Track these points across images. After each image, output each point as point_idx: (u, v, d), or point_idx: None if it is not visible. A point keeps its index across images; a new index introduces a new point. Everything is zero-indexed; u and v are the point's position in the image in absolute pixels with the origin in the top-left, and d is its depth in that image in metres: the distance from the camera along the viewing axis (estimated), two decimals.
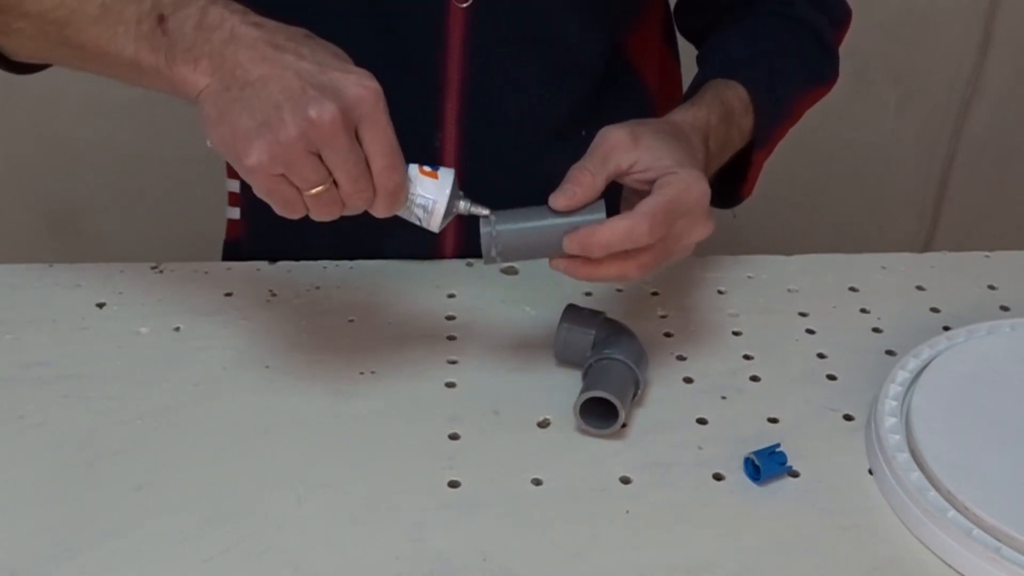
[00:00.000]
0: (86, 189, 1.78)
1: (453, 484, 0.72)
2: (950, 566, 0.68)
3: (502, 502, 0.71)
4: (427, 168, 0.71)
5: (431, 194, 0.71)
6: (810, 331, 0.89)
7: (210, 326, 0.86)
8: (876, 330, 0.90)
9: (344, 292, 0.91)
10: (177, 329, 0.86)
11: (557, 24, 0.92)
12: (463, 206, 0.73)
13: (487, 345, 0.85)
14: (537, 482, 0.73)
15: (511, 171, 0.93)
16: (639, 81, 1.00)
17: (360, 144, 0.66)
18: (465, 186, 0.74)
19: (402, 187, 0.69)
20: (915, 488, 0.71)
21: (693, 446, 0.77)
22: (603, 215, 0.73)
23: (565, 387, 0.80)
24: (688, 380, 0.83)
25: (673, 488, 0.73)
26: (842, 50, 1.00)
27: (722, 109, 0.85)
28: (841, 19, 1.00)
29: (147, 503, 0.70)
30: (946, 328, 0.88)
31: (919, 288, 0.95)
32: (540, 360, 0.84)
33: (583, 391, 0.76)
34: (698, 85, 0.89)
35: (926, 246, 2.05)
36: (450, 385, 0.81)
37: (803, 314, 0.91)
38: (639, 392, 0.79)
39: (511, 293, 0.91)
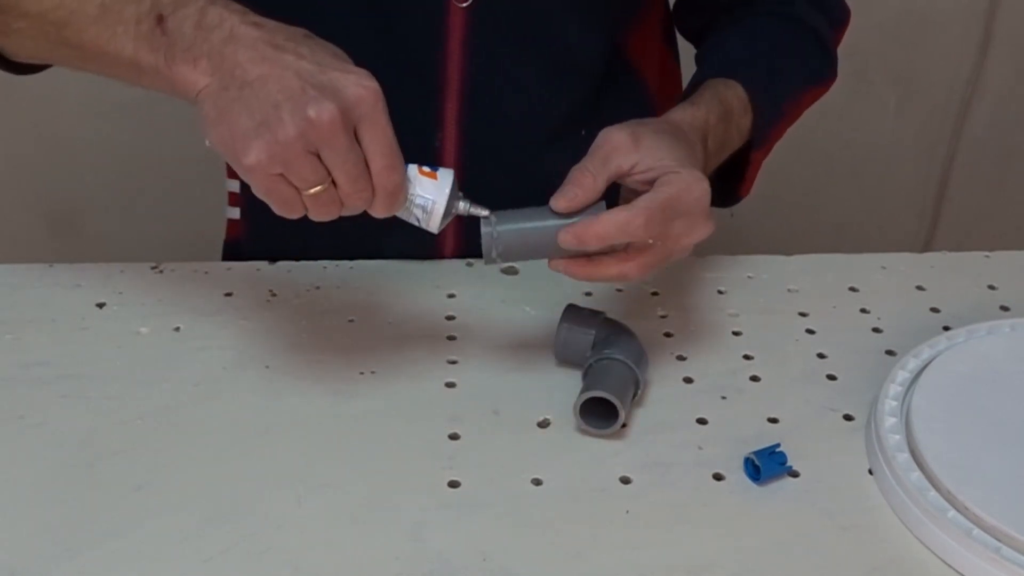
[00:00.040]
0: (86, 189, 1.78)
1: (453, 484, 0.72)
2: (950, 566, 0.68)
3: (502, 502, 0.71)
4: (426, 168, 0.71)
5: (430, 194, 0.71)
6: (810, 331, 0.89)
7: (210, 326, 0.86)
8: (876, 330, 0.90)
9: (344, 292, 0.91)
10: (177, 329, 0.86)
11: (557, 24, 0.92)
12: (462, 207, 0.73)
13: (487, 345, 0.85)
14: (537, 482, 0.73)
15: (511, 171, 0.93)
16: (639, 81, 1.00)
17: (359, 144, 0.66)
18: (465, 186, 0.74)
19: (401, 187, 0.69)
20: (915, 488, 0.71)
21: (693, 446, 0.77)
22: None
23: (565, 387, 0.80)
24: (688, 380, 0.83)
25: (673, 488, 0.73)
26: (842, 50, 1.00)
27: (721, 108, 0.85)
28: (840, 19, 1.00)
29: (147, 503, 0.70)
30: (946, 328, 0.88)
31: (919, 288, 0.95)
32: (540, 360, 0.84)
33: (583, 391, 0.76)
34: (697, 84, 0.89)
35: (926, 246, 2.05)
36: (450, 385, 0.81)
37: (803, 314, 0.91)
38: (639, 392, 0.79)
39: (511, 293, 0.91)
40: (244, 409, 0.78)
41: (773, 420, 0.79)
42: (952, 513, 0.69)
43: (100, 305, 0.88)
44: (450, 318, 0.88)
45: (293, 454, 0.74)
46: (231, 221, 1.07)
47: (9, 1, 0.73)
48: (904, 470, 0.72)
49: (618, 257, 0.73)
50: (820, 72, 0.98)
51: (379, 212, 0.69)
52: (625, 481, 0.73)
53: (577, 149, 0.75)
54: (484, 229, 0.73)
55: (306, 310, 0.88)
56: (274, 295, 0.90)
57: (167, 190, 1.78)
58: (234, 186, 1.06)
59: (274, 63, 0.65)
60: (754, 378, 0.84)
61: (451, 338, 0.86)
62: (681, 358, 0.85)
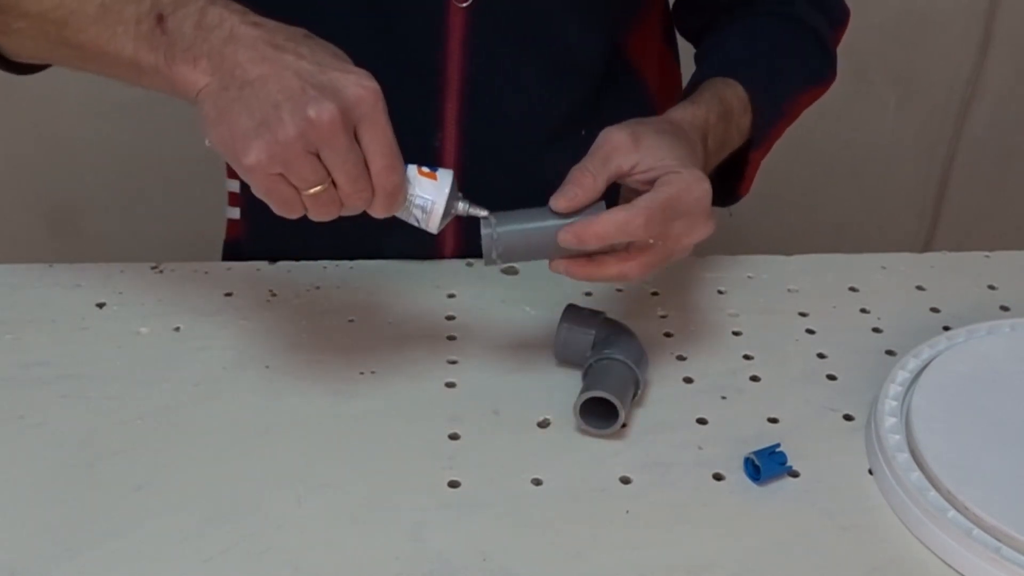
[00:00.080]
0: (86, 189, 1.78)
1: (453, 484, 0.72)
2: (950, 566, 0.68)
3: (502, 502, 0.71)
4: (426, 169, 0.71)
5: (430, 195, 0.71)
6: (810, 331, 0.89)
7: (210, 326, 0.86)
8: (876, 330, 0.90)
9: (344, 292, 0.91)
10: (177, 329, 0.86)
11: (557, 24, 0.92)
12: (461, 207, 0.73)
13: (487, 345, 0.85)
14: (537, 482, 0.73)
15: (511, 171, 0.93)
16: (639, 81, 1.00)
17: (359, 144, 0.66)
18: (465, 186, 0.74)
19: (401, 188, 0.69)
20: (915, 488, 0.71)
21: (693, 446, 0.77)
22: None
23: (565, 387, 0.80)
24: (688, 380, 0.83)
25: (673, 488, 0.73)
26: (842, 50, 1.00)
27: (721, 108, 0.85)
28: (840, 19, 1.00)
29: (147, 503, 0.70)
30: (946, 328, 0.88)
31: (919, 288, 0.95)
32: (540, 360, 0.84)
33: (583, 391, 0.76)
34: (697, 83, 0.89)
35: (926, 246, 2.05)
36: (450, 385, 0.81)
37: (803, 314, 0.91)
38: (639, 392, 0.78)
39: (511, 293, 0.91)
40: (244, 409, 0.78)
41: (773, 420, 0.79)
42: (952, 513, 0.69)
43: (100, 305, 0.88)
44: (450, 318, 0.88)
45: (293, 454, 0.74)
46: (231, 221, 1.07)
47: (9, 1, 0.73)
48: (904, 470, 0.72)
49: (619, 257, 0.73)
50: (820, 72, 0.98)
51: (378, 212, 0.69)
52: (625, 481, 0.73)
53: (577, 149, 0.75)
54: (484, 230, 0.73)
55: (306, 310, 0.88)
56: (274, 295, 0.90)
57: (167, 190, 1.78)
58: (234, 186, 1.06)
59: (274, 63, 0.65)
60: (754, 378, 0.84)
61: (451, 338, 0.86)
62: (681, 358, 0.85)
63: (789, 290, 0.94)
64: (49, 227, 1.81)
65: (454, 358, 0.84)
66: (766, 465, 0.73)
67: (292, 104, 0.64)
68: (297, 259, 0.94)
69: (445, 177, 0.71)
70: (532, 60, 0.92)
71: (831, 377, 0.84)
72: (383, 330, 0.87)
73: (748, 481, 0.74)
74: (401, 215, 0.71)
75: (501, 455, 0.75)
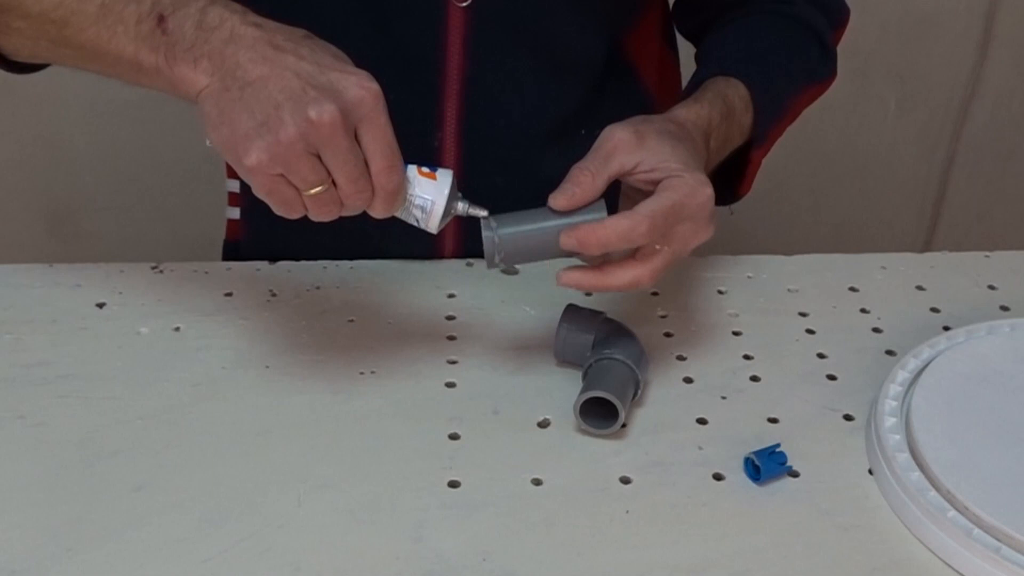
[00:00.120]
0: (86, 189, 1.78)
1: (453, 484, 0.72)
2: (950, 566, 0.68)
3: (502, 502, 0.71)
4: (426, 169, 0.71)
5: (429, 195, 0.71)
6: (810, 331, 0.89)
7: (210, 326, 0.86)
8: (876, 330, 0.90)
9: (344, 292, 0.91)
10: (177, 329, 0.86)
11: (556, 24, 0.92)
12: (461, 207, 0.73)
13: (487, 345, 0.85)
14: (537, 482, 0.73)
15: (510, 171, 0.93)
16: (638, 81, 1.00)
17: (359, 145, 0.66)
18: (464, 186, 0.74)
19: (401, 188, 0.69)
20: (915, 488, 0.71)
21: (693, 446, 0.77)
22: (604, 214, 0.73)
23: (565, 387, 0.80)
24: (688, 380, 0.83)
25: (673, 488, 0.73)
26: (842, 50, 1.00)
27: (724, 108, 0.85)
28: (840, 18, 1.00)
29: (147, 503, 0.70)
30: (946, 328, 0.88)
31: (919, 288, 0.95)
32: (540, 360, 0.84)
33: (583, 391, 0.76)
34: (699, 82, 0.89)
35: (926, 246, 2.05)
36: (450, 385, 0.81)
37: (803, 314, 0.91)
38: (639, 392, 0.78)
39: (511, 293, 0.91)
40: (244, 409, 0.78)
41: (773, 420, 0.79)
42: (952, 513, 0.69)
43: (100, 305, 0.88)
44: (450, 318, 0.88)
45: (293, 454, 0.74)
46: (231, 221, 1.07)
47: (10, 1, 0.73)
48: (904, 470, 0.72)
49: (627, 264, 0.73)
50: (820, 70, 0.98)
51: (378, 212, 0.69)
52: (625, 481, 0.73)
53: (577, 149, 0.75)
54: (485, 233, 0.73)
55: (306, 310, 0.88)
56: (274, 295, 0.90)
57: (167, 190, 1.78)
58: (234, 186, 1.06)
59: (275, 64, 0.65)
60: (754, 378, 0.84)
61: (451, 338, 0.86)
62: (681, 358, 0.85)
63: (789, 290, 0.94)
64: (49, 227, 1.81)
65: (454, 358, 0.84)
66: (766, 465, 0.73)
67: (293, 105, 0.64)
68: (297, 259, 0.94)
69: (445, 177, 0.71)
70: (531, 60, 0.92)
71: (831, 377, 0.84)
72: (383, 330, 0.87)
73: (748, 481, 0.74)
74: (401, 215, 0.71)
75: (501, 455, 0.75)
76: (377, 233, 0.82)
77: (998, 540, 0.67)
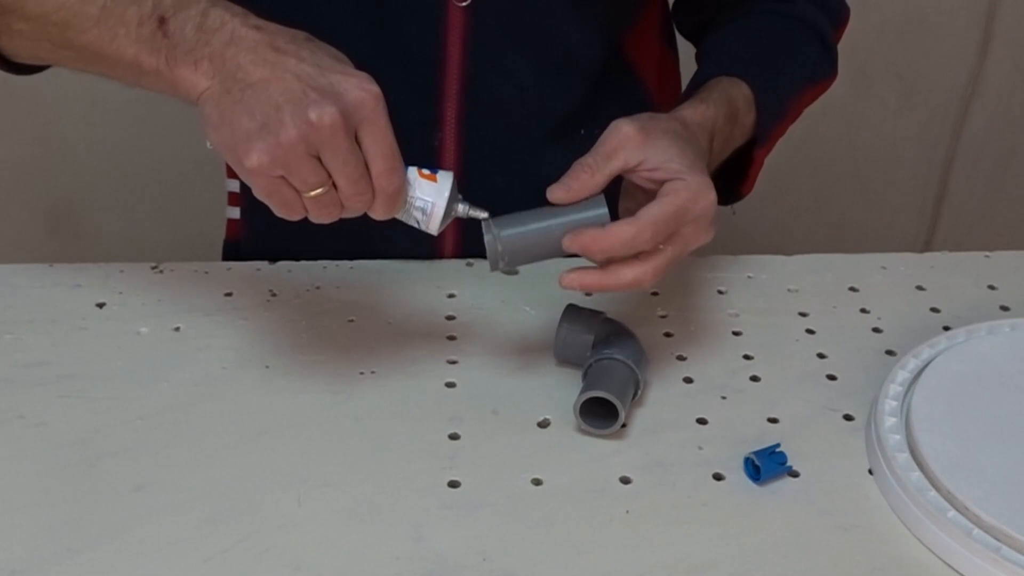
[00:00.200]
0: (86, 189, 1.78)
1: (453, 484, 0.72)
2: (950, 566, 0.68)
3: (502, 502, 0.71)
4: (426, 171, 0.71)
5: (430, 197, 0.71)
6: (810, 331, 0.89)
7: (210, 326, 0.86)
8: (876, 330, 0.90)
9: (344, 292, 0.91)
10: (177, 329, 0.86)
11: (556, 23, 0.92)
12: (461, 209, 0.73)
13: (487, 345, 0.85)
14: (537, 482, 0.73)
15: (510, 171, 0.93)
16: (638, 81, 1.00)
17: (360, 147, 0.66)
18: (464, 186, 0.74)
19: (401, 190, 0.69)
20: (915, 488, 0.71)
21: (693, 446, 0.77)
22: (604, 210, 0.73)
23: (565, 387, 0.80)
24: (688, 380, 0.83)
25: (673, 488, 0.73)
26: (842, 50, 1.00)
27: (728, 108, 0.85)
28: (840, 18, 1.00)
29: (147, 503, 0.70)
30: (946, 328, 0.88)
31: (919, 288, 0.95)
32: (540, 360, 0.84)
33: (583, 391, 0.76)
34: (702, 82, 0.89)
35: (926, 246, 2.05)
36: (450, 385, 0.81)
37: (803, 314, 0.91)
38: (639, 392, 0.79)
39: (511, 293, 0.91)
40: (244, 409, 0.78)
41: (773, 420, 0.79)
42: (952, 513, 0.69)
43: (100, 305, 0.88)
44: (450, 318, 0.88)
45: (293, 454, 0.74)
46: (231, 221, 1.08)
47: (11, 3, 0.73)
48: (904, 470, 0.72)
49: (630, 263, 0.73)
50: (822, 69, 0.98)
51: (379, 214, 0.70)
52: (625, 481, 0.73)
53: (576, 149, 0.75)
54: (487, 236, 0.73)
55: (306, 310, 0.88)
56: (274, 295, 0.90)
57: (167, 190, 1.78)
58: (234, 186, 1.06)
59: (275, 66, 0.65)
60: (754, 378, 0.84)
61: (451, 338, 0.86)
62: (681, 358, 0.85)
63: (789, 290, 0.94)
64: (49, 227, 1.81)
65: (454, 358, 0.84)
66: (766, 465, 0.73)
67: (293, 107, 0.64)
68: (297, 259, 0.94)
69: (445, 179, 0.71)
70: (531, 59, 0.92)
71: (831, 377, 0.84)
72: (383, 330, 0.87)
73: (748, 481, 0.74)
74: (401, 217, 0.71)
75: (501, 455, 0.75)
76: (377, 234, 0.82)
77: (998, 540, 0.67)
